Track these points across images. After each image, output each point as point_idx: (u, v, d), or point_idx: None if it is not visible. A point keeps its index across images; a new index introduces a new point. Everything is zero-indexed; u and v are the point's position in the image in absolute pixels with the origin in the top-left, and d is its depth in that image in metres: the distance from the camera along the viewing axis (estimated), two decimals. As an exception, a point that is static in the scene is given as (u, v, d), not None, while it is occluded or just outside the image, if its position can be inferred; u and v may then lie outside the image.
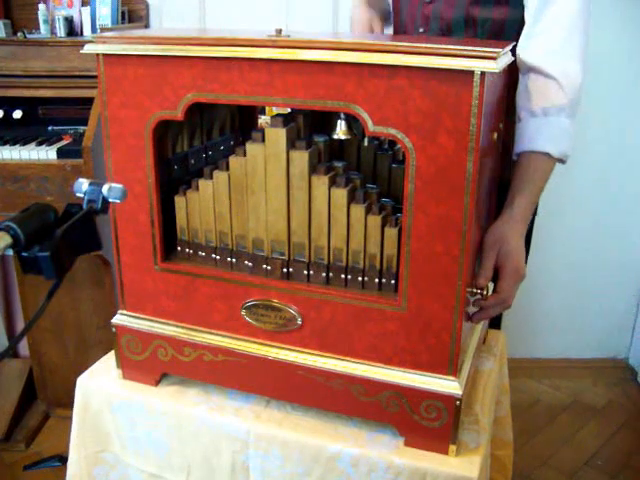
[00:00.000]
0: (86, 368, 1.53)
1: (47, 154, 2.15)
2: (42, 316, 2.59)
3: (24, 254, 0.73)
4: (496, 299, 1.32)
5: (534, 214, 1.46)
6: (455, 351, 1.18)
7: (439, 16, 1.56)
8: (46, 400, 2.77)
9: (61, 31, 2.53)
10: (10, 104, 2.34)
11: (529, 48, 1.39)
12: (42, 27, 2.56)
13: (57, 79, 2.29)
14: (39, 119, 2.37)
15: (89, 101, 2.19)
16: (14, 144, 2.21)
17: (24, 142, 2.22)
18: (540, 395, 2.92)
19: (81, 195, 0.81)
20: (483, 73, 1.01)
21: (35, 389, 2.77)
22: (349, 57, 1.07)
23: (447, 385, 1.20)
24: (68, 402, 1.48)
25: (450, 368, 1.20)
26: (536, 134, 1.38)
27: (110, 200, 0.81)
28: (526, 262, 1.35)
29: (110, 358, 1.52)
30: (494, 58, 1.01)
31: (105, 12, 2.51)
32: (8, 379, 2.85)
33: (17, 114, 2.34)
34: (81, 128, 2.23)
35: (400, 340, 1.21)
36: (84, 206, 0.80)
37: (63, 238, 0.75)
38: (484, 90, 1.02)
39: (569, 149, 1.38)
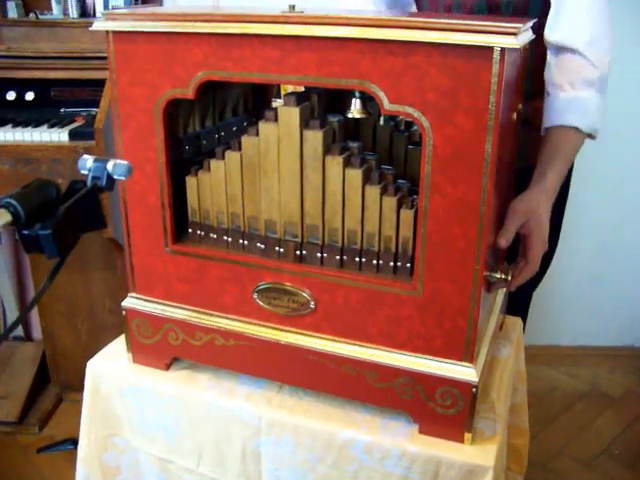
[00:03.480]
0: (98, 352, 1.51)
1: (59, 136, 2.13)
2: (55, 300, 2.59)
3: (25, 232, 0.70)
4: (527, 266, 1.32)
5: (567, 189, 1.45)
6: (472, 337, 1.15)
7: (461, 3, 1.56)
8: (59, 384, 2.77)
9: (74, 12, 2.50)
10: (22, 86, 2.32)
11: (557, 28, 1.40)
12: (54, 8, 2.53)
13: (69, 60, 2.26)
14: (51, 101, 2.34)
15: (102, 83, 2.17)
16: (26, 126, 2.19)
17: (36, 124, 2.20)
18: (556, 383, 2.88)
19: (86, 172, 0.79)
20: (503, 49, 0.98)
21: (48, 373, 2.78)
22: (364, 33, 1.03)
23: (463, 371, 1.17)
24: (81, 386, 1.47)
25: (466, 354, 1.17)
26: (565, 109, 1.37)
27: (115, 177, 0.78)
28: (559, 235, 1.33)
29: (120, 342, 1.50)
30: (514, 34, 0.97)
31: (119, -5, 2.47)
32: (21, 363, 2.86)
33: (29, 96, 2.32)
34: (94, 110, 2.21)
35: (415, 325, 1.18)
36: (88, 183, 0.77)
37: (66, 215, 0.72)
38: (504, 67, 0.99)
39: (599, 124, 1.37)
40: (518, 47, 0.98)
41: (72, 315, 2.63)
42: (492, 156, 1.03)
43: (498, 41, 0.97)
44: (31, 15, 2.52)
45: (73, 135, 2.12)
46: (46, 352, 2.74)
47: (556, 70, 1.40)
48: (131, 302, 1.42)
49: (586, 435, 2.56)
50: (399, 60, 1.03)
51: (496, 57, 0.98)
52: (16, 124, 2.21)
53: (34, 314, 2.83)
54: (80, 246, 2.44)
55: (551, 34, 1.40)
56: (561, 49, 1.39)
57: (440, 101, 1.04)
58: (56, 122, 2.22)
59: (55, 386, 2.78)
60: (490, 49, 0.98)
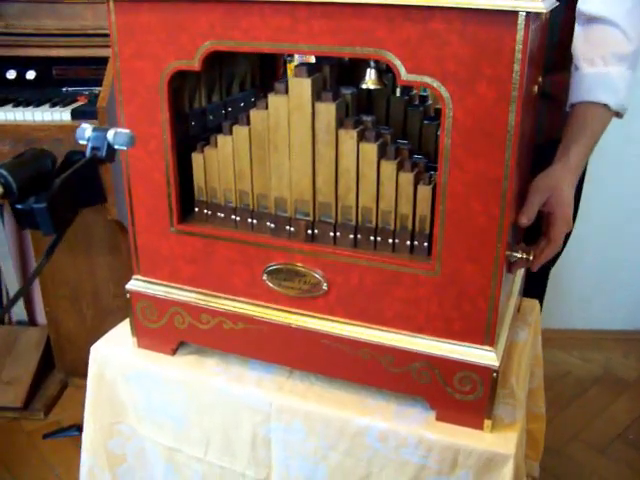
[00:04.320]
0: (103, 335, 1.48)
1: (61, 115, 2.08)
2: (59, 284, 2.55)
3: (18, 206, 0.65)
4: (549, 245, 1.27)
5: (585, 167, 1.39)
6: (492, 319, 1.10)
7: None
8: (64, 369, 2.75)
9: (76, -12, 2.43)
10: (23, 64, 2.27)
11: None
12: (56, -16, 2.47)
13: (71, 38, 2.20)
14: (53, 80, 2.29)
15: (105, 61, 2.11)
16: (27, 106, 2.14)
17: (38, 104, 2.15)
18: (570, 367, 2.84)
19: (84, 142, 0.73)
20: (528, 14, 0.91)
21: (53, 358, 2.75)
22: (380, -2, 0.97)
23: (483, 356, 1.12)
24: (86, 371, 1.43)
25: (487, 337, 1.12)
26: (595, 85, 1.30)
27: (116, 147, 0.73)
28: (575, 215, 1.29)
29: (125, 326, 1.46)
30: (541, -3, 0.91)
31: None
32: (26, 348, 2.83)
33: (30, 75, 2.27)
34: (97, 89, 2.15)
35: (433, 307, 1.13)
36: (87, 153, 0.72)
37: (63, 188, 0.67)
38: (529, 34, 0.93)
39: (627, 102, 1.30)
40: (545, 11, 0.92)
41: (76, 299, 2.59)
42: (516, 128, 0.98)
43: (523, 5, 0.91)
44: (31, -9, 2.46)
45: (75, 114, 2.07)
46: (50, 337, 2.72)
47: (586, 42, 1.33)
48: (135, 285, 1.37)
49: (600, 420, 2.51)
50: (417, 27, 0.97)
51: (521, 22, 0.92)
52: (17, 104, 2.15)
53: (38, 298, 2.79)
54: (84, 228, 2.41)
55: (586, 3, 1.32)
56: (593, 20, 1.32)
57: (461, 70, 0.98)
58: (58, 101, 2.17)
59: (60, 371, 2.76)
60: (514, 14, 0.92)
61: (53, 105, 2.13)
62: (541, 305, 1.68)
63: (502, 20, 0.93)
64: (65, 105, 2.13)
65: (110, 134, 0.73)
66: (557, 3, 1.12)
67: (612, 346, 2.94)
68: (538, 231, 1.31)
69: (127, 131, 0.73)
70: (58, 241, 0.69)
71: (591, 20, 1.33)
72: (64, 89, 2.28)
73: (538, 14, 0.95)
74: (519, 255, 1.19)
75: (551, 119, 1.44)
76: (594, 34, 1.32)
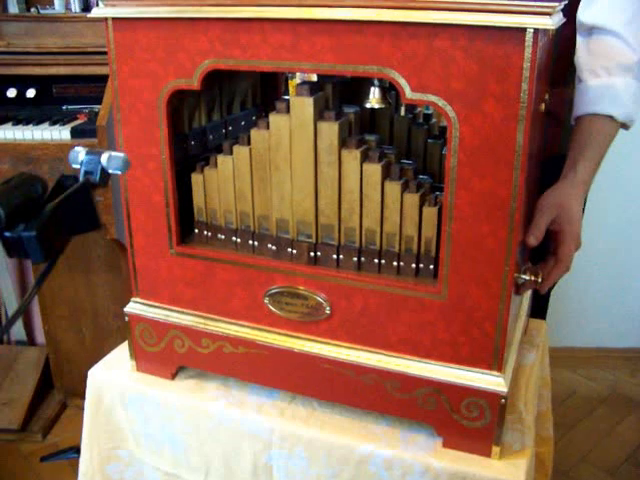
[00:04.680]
0: (103, 357, 1.45)
1: (60, 134, 2.06)
2: (58, 303, 2.52)
3: (6, 234, 0.62)
4: (558, 265, 1.23)
5: None
6: (500, 344, 1.07)
7: None
8: (63, 389, 2.71)
9: (76, 6, 2.43)
10: (23, 83, 2.26)
11: (591, 7, 1.30)
12: (56, 2, 2.47)
13: (71, 56, 2.19)
14: (53, 98, 2.28)
15: (105, 78, 2.07)
16: (27, 124, 2.12)
17: (38, 122, 2.13)
18: (576, 386, 2.79)
19: (77, 166, 0.70)
20: (536, 31, 0.89)
21: (52, 378, 2.71)
22: (384, 15, 0.95)
23: (491, 381, 1.09)
24: (85, 392, 1.39)
25: (495, 362, 1.08)
26: (599, 96, 1.27)
27: (110, 171, 0.70)
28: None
29: (123, 349, 1.43)
30: (549, 14, 0.88)
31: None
32: (24, 368, 2.79)
33: (30, 93, 2.26)
34: (97, 107, 2.13)
35: (439, 331, 1.10)
36: (80, 178, 0.69)
37: (54, 215, 0.64)
38: (537, 50, 0.90)
39: (635, 113, 1.27)
40: (553, 28, 0.89)
41: (76, 319, 2.56)
42: (524, 148, 0.95)
43: (531, 22, 0.88)
44: (32, 10, 2.45)
45: (75, 133, 2.05)
46: (50, 357, 2.68)
47: (588, 54, 1.30)
48: (134, 307, 1.34)
49: (609, 441, 2.47)
50: (422, 44, 0.95)
51: (529, 39, 0.89)
52: (17, 122, 2.14)
53: (37, 318, 2.76)
54: (83, 248, 2.38)
55: (585, 13, 1.30)
56: (594, 30, 1.29)
57: (467, 89, 0.95)
58: (58, 119, 2.15)
59: (59, 392, 2.72)
60: (522, 31, 0.89)
61: (53, 123, 2.11)
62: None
63: (509, 37, 0.91)
64: (65, 123, 2.12)
65: (104, 158, 0.70)
66: (564, 19, 1.10)
67: (619, 364, 2.89)
68: (545, 249, 1.27)
69: (121, 155, 0.70)
70: (50, 269, 0.66)
71: (592, 31, 1.30)
72: (64, 107, 2.26)
73: (546, 30, 0.93)
74: (527, 277, 1.16)
75: (551, 135, 1.41)
76: (596, 45, 1.30)
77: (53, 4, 2.47)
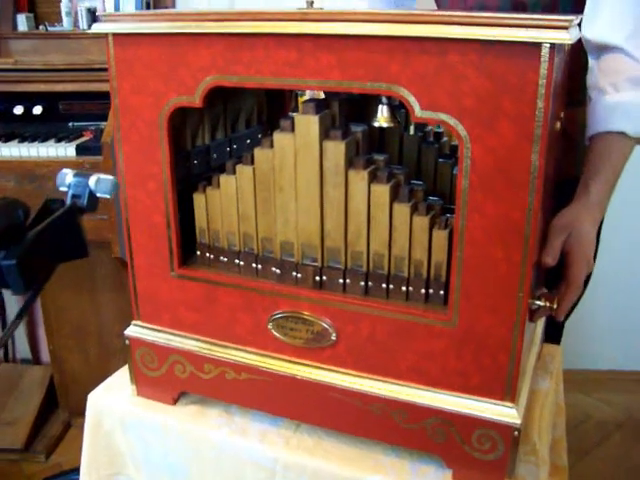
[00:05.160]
0: (108, 376, 1.42)
1: (66, 151, 2.04)
2: (62, 322, 2.49)
3: (-15, 263, 0.57)
4: (569, 288, 1.18)
5: None
6: (514, 373, 1.02)
7: (484, 5, 1.43)
8: (67, 409, 2.68)
9: (84, 23, 2.42)
10: (30, 100, 2.24)
11: (594, 25, 1.27)
12: (65, 20, 2.46)
13: (78, 73, 2.18)
14: (60, 115, 2.27)
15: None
16: (33, 141, 2.11)
17: (43, 139, 2.12)
18: (590, 410, 2.72)
19: (65, 189, 0.66)
20: (553, 46, 0.85)
21: (56, 397, 2.67)
22: (392, 30, 0.91)
23: (504, 413, 1.04)
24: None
25: (507, 393, 1.03)
26: (609, 113, 1.23)
27: (98, 195, 0.66)
28: (595, 256, 1.23)
29: (124, 372, 1.39)
30: (566, 28, 0.84)
31: (129, 3, 2.38)
32: (29, 387, 2.77)
33: (37, 110, 2.25)
34: (103, 124, 2.12)
35: (450, 360, 1.05)
36: (67, 202, 0.65)
37: (37, 242, 0.60)
38: (553, 66, 0.86)
39: None
40: (570, 42, 0.85)
41: (81, 338, 2.53)
42: (539, 169, 0.90)
43: (547, 36, 0.84)
44: (40, 27, 2.44)
45: (80, 150, 2.03)
46: (54, 376, 2.65)
47: (598, 73, 1.27)
48: (135, 330, 1.30)
49: (625, 469, 2.39)
50: (432, 60, 0.91)
51: (545, 55, 0.85)
52: (23, 139, 2.13)
53: (42, 336, 2.73)
54: (88, 266, 2.34)
55: (588, 31, 1.27)
56: (601, 49, 1.27)
57: (479, 107, 0.91)
58: (64, 136, 2.14)
59: (63, 411, 2.68)
60: (537, 46, 0.85)
61: (59, 140, 2.10)
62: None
63: (524, 53, 0.86)
64: (70, 140, 2.10)
65: (92, 181, 0.66)
66: (579, 35, 1.06)
67: (635, 388, 2.82)
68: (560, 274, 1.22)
69: (110, 178, 0.66)
70: (33, 300, 0.62)
71: (600, 50, 1.27)
72: (70, 124, 2.25)
73: (562, 45, 0.89)
74: (542, 303, 1.11)
75: (566, 157, 1.37)
76: (604, 63, 1.27)
77: (61, 21, 2.46)
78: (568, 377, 2.67)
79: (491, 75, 0.89)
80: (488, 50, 0.88)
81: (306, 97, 1.67)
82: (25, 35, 2.39)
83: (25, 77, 2.23)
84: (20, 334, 2.84)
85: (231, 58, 1.02)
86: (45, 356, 2.83)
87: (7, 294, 2.78)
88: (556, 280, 1.22)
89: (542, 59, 0.85)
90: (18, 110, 2.25)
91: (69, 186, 0.66)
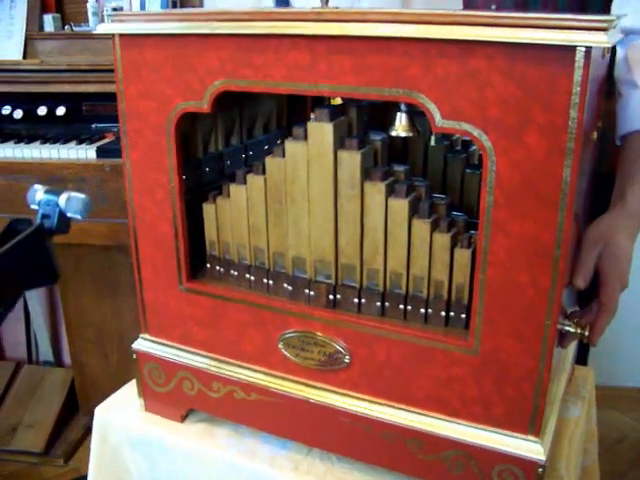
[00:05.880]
0: (129, 380, 1.37)
1: (86, 153, 2.00)
2: (84, 326, 2.46)
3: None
4: (602, 311, 1.07)
5: None
6: (539, 405, 0.94)
7: None
8: (88, 413, 2.63)
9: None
10: (55, 100, 2.21)
11: (622, 11, 1.15)
12: (91, 20, 2.42)
13: (102, 73, 2.13)
14: (83, 116, 2.23)
15: (133, 97, 2.02)
16: (55, 142, 2.07)
17: (65, 140, 2.08)
18: (626, 430, 2.61)
19: (36, 207, 0.60)
20: (588, 49, 0.76)
21: (77, 401, 2.65)
22: (411, 31, 0.83)
23: (527, 447, 0.96)
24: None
25: (532, 426, 0.95)
26: None
27: (69, 215, 0.59)
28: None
29: (132, 386, 1.33)
30: (605, 29, 0.75)
31: (155, 2, 2.33)
32: (50, 389, 2.76)
33: (60, 111, 2.21)
34: (125, 126, 2.06)
35: (470, 389, 0.97)
36: (37, 221, 0.59)
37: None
38: (589, 73, 0.77)
39: None
40: (609, 45, 0.76)
41: (102, 342, 2.50)
42: (571, 186, 0.82)
43: (582, 39, 0.75)
44: (66, 28, 2.41)
45: (101, 152, 1.99)
46: (75, 380, 2.63)
47: (628, 64, 1.16)
48: (142, 344, 1.25)
49: (662, 493, 2.29)
50: (455, 64, 0.83)
51: (579, 60, 0.76)
52: (44, 140, 2.09)
53: (64, 338, 2.71)
54: (110, 271, 2.31)
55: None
56: (629, 37, 1.17)
57: (506, 116, 0.83)
58: (86, 138, 2.10)
59: (83, 416, 2.65)
60: (571, 50, 0.77)
61: (80, 142, 2.06)
62: (585, 362, 1.49)
63: (556, 57, 0.78)
64: (92, 142, 2.06)
65: (62, 199, 0.59)
66: (622, 35, 0.97)
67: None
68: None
69: (82, 196, 0.60)
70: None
71: (629, 39, 1.18)
72: (93, 125, 2.21)
73: (600, 49, 0.80)
74: (573, 330, 1.02)
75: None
76: (631, 53, 1.17)
77: (88, 22, 2.42)
78: (603, 394, 2.56)
79: (519, 81, 0.81)
80: (517, 54, 0.80)
81: (339, 100, 1.59)
82: (51, 35, 2.36)
83: (50, 78, 2.20)
84: (43, 336, 2.82)
85: (240, 61, 0.96)
86: (67, 358, 2.80)
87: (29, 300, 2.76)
88: (589, 294, 1.12)
89: (576, 64, 0.77)
90: (42, 111, 2.22)
91: (39, 204, 0.60)
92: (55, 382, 2.77)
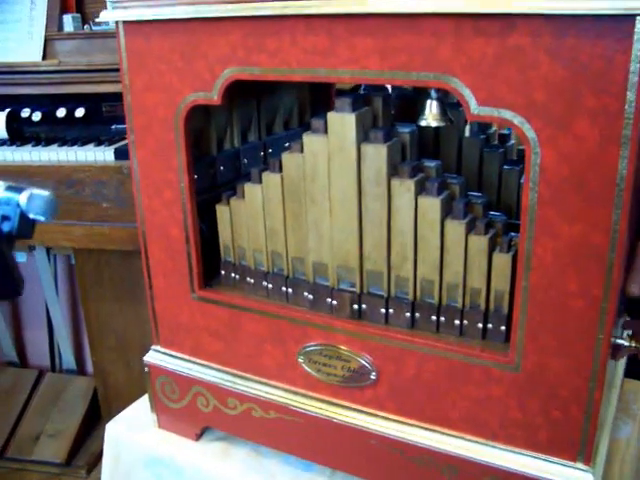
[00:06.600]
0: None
1: (104, 155, 1.93)
2: (105, 334, 2.40)
3: None
4: None
5: None
6: (590, 430, 0.83)
7: None
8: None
9: (130, 22, 2.31)
10: (74, 101, 2.15)
11: None
12: (111, 18, 2.35)
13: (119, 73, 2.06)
14: (102, 117, 2.16)
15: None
16: (73, 144, 2.01)
17: (83, 142, 2.02)
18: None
19: (-5, 208, 0.51)
20: (651, 20, 0.66)
21: (99, 410, 2.59)
22: (442, 6, 0.73)
23: (576, 476, 0.85)
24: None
25: (581, 453, 0.85)
26: None
27: (31, 216, 0.50)
28: None
29: (145, 401, 1.26)
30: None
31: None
32: (73, 398, 2.71)
33: (79, 112, 2.14)
34: (145, 127, 1.99)
35: (510, 410, 0.87)
36: (-6, 225, 0.50)
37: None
38: (651, 49, 0.67)
39: None
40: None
41: (124, 350, 2.43)
42: (627, 180, 0.71)
43: (643, 7, 0.65)
44: (85, 27, 2.35)
45: (119, 154, 1.91)
46: (97, 389, 2.57)
47: None
48: (154, 357, 1.17)
49: None
50: (493, 43, 0.73)
51: (638, 31, 0.66)
52: (63, 142, 2.03)
53: (87, 346, 2.65)
54: (131, 276, 2.24)
55: None
56: None
57: (552, 102, 0.73)
58: (105, 140, 2.03)
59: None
60: (630, 19, 0.66)
61: (98, 144, 1.99)
62: (635, 374, 1.37)
63: (610, 30, 0.68)
64: (111, 144, 1.99)
65: (23, 198, 0.50)
66: None
67: None
68: None
69: (45, 194, 0.51)
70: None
71: None
72: (113, 126, 2.14)
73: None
74: (626, 343, 0.91)
75: None
76: None
77: (108, 21, 2.36)
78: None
79: (568, 61, 0.71)
80: (566, 29, 0.69)
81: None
82: (70, 35, 2.30)
83: (69, 78, 2.15)
84: (65, 343, 2.77)
85: (252, 46, 0.86)
86: (90, 367, 2.75)
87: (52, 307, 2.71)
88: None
89: (635, 37, 0.66)
90: (61, 112, 2.16)
91: (-1, 204, 0.51)
92: (78, 390, 2.73)
